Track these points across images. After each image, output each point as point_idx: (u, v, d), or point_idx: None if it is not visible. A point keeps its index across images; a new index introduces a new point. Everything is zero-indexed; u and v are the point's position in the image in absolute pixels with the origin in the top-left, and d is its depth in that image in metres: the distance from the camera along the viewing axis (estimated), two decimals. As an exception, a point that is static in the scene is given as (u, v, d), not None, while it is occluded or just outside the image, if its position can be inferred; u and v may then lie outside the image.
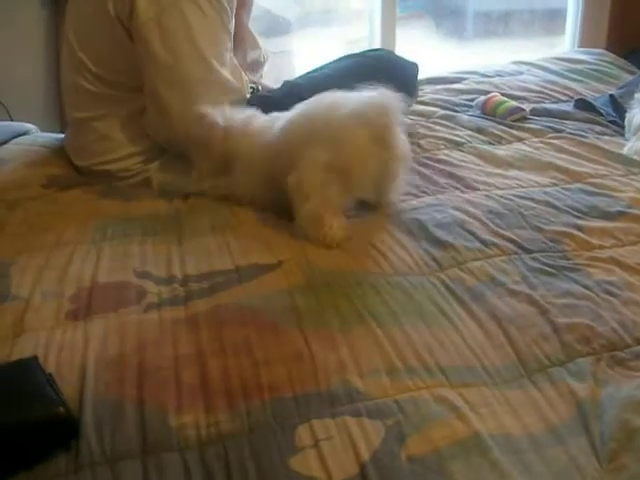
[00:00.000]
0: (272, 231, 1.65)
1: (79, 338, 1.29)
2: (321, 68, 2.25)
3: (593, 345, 1.25)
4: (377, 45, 3.02)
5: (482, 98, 2.41)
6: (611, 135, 2.20)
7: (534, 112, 2.36)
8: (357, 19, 3.35)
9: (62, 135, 2.13)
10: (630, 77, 2.65)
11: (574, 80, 2.68)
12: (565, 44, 3.36)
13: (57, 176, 1.97)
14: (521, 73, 2.77)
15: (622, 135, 2.20)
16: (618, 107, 2.33)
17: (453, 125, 2.27)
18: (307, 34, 3.30)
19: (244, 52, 2.16)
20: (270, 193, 1.71)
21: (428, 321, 1.31)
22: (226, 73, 1.87)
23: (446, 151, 2.07)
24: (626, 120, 2.21)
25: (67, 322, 1.35)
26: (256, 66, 2.26)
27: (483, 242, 1.56)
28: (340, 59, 2.30)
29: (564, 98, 2.52)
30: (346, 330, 1.29)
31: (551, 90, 2.58)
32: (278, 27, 3.25)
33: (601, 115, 2.34)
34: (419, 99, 2.45)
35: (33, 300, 1.42)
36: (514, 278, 1.44)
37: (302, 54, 3.24)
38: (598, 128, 2.25)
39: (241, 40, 2.13)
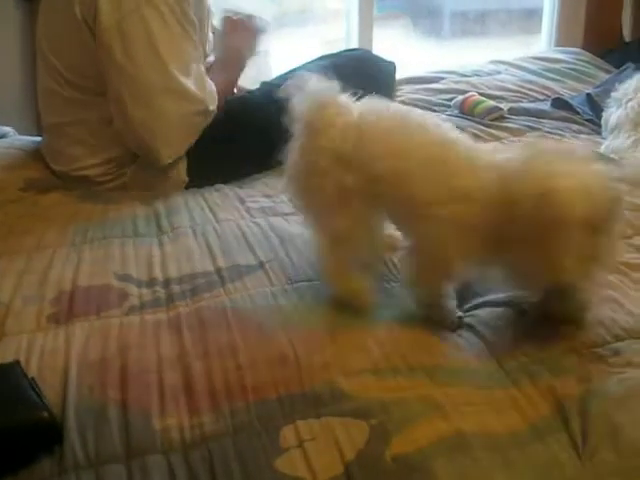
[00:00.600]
0: (253, 231, 1.65)
1: (61, 342, 1.29)
2: (298, 68, 2.25)
3: (573, 342, 1.25)
4: (355, 45, 3.02)
5: (460, 98, 2.42)
6: (588, 134, 2.23)
7: (512, 111, 2.38)
8: (334, 19, 3.35)
9: (40, 138, 2.11)
10: (606, 76, 2.67)
11: (551, 79, 2.70)
12: (542, 43, 3.38)
13: (35, 179, 1.95)
14: (499, 72, 2.79)
15: (599, 134, 2.22)
16: (595, 106, 2.35)
17: (432, 125, 2.28)
18: (284, 34, 3.29)
19: None
20: None
21: (412, 321, 1.32)
22: (188, 82, 1.82)
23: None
24: (603, 119, 2.23)
25: (49, 326, 1.34)
26: None
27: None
28: (317, 59, 2.30)
29: (541, 97, 2.55)
30: (331, 331, 1.30)
31: (529, 89, 2.60)
32: (255, 27, 3.24)
33: (578, 114, 2.36)
34: (398, 99, 2.46)
35: (14, 304, 1.41)
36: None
37: (279, 54, 3.23)
38: (575, 127, 2.27)
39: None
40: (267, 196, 1.84)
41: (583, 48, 3.07)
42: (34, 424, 1.06)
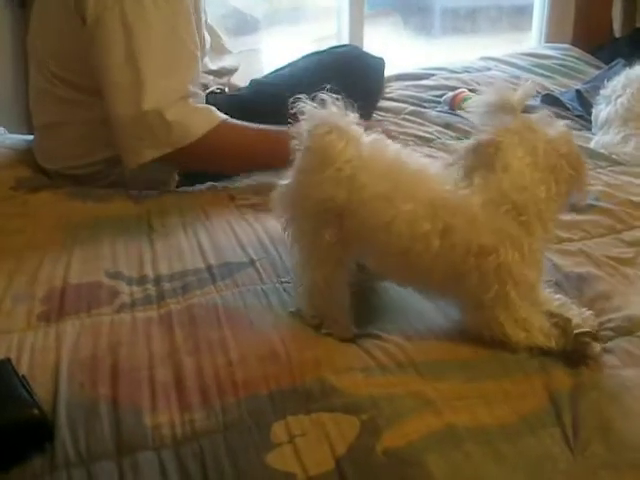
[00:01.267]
0: (244, 229, 1.65)
1: (52, 339, 1.28)
2: (288, 66, 2.25)
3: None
4: (345, 42, 3.02)
5: (450, 94, 2.43)
6: (578, 130, 2.23)
7: (502, 108, 2.38)
8: (325, 16, 3.35)
9: (31, 137, 2.11)
10: (596, 72, 2.68)
11: (541, 75, 2.71)
12: (532, 40, 3.39)
13: (26, 178, 1.94)
14: (489, 69, 2.79)
15: (589, 130, 2.23)
16: (585, 102, 2.36)
17: (422, 121, 2.28)
18: (275, 32, 3.30)
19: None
20: None
21: (402, 317, 1.32)
22: (158, 81, 1.71)
23: (415, 147, 2.07)
24: (593, 115, 2.24)
25: (39, 324, 1.34)
26: (224, 73, 2.23)
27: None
28: (306, 56, 2.30)
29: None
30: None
31: (519, 85, 2.59)
32: (246, 25, 3.24)
33: (568, 110, 2.37)
34: (388, 95, 2.47)
35: (4, 304, 1.40)
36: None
37: (270, 52, 3.23)
38: (565, 123, 2.27)
39: None
40: (258, 194, 1.83)
41: (573, 44, 3.08)
42: (25, 421, 1.06)
